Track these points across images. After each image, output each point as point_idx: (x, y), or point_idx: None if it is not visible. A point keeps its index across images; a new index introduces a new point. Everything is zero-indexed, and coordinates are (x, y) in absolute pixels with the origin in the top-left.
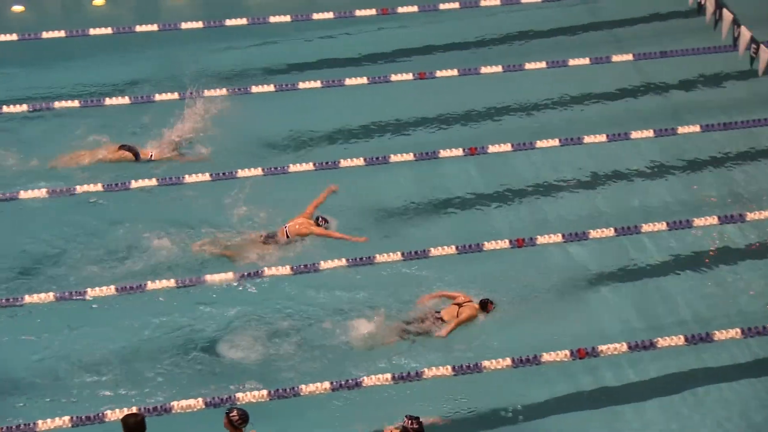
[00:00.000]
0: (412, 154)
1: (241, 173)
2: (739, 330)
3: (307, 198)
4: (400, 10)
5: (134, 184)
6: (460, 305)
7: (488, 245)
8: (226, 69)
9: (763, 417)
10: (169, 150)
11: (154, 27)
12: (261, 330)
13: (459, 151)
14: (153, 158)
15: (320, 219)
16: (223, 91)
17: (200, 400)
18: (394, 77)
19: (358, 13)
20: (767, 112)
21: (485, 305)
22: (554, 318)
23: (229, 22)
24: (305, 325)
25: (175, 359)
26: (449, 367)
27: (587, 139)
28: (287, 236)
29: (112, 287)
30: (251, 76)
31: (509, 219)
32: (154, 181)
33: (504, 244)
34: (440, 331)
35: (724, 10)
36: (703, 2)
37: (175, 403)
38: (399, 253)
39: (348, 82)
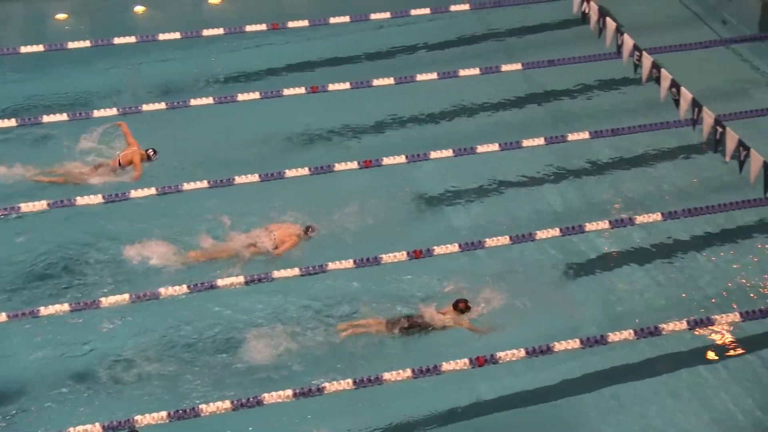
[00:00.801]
0: (307, 169)
1: (134, 193)
2: (632, 331)
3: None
4: (290, 24)
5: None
6: (443, 314)
7: (386, 258)
8: (112, 88)
9: (656, 412)
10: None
11: (40, 47)
12: (159, 350)
13: (354, 164)
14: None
15: (309, 228)
16: (114, 111)
17: (98, 424)
18: (286, 91)
19: (249, 28)
20: (653, 117)
21: (456, 307)
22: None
23: (117, 40)
24: (206, 344)
25: (71, 383)
26: (350, 381)
27: (480, 149)
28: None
29: (3, 314)
30: (142, 94)
31: (406, 231)
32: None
33: (402, 256)
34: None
35: (608, 19)
36: (587, 11)
37: (71, 429)
38: (297, 269)
39: (240, 97)
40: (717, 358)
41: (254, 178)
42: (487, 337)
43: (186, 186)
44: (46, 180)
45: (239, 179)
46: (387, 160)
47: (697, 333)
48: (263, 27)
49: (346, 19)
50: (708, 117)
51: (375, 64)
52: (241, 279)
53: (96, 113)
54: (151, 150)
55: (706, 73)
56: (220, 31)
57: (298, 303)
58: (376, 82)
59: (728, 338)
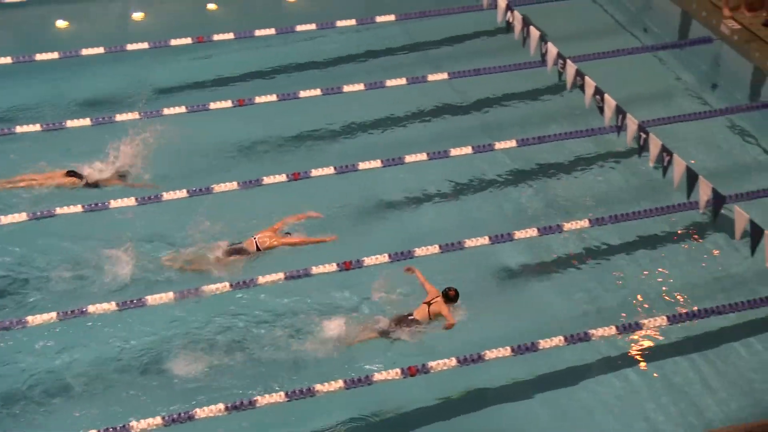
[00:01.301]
0: (235, 183)
1: (60, 210)
2: (562, 338)
3: None
4: (216, 37)
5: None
6: (429, 303)
7: (315, 270)
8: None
9: (589, 417)
10: (113, 176)
11: None
12: (88, 368)
13: (282, 177)
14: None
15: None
16: (37, 126)
17: None
18: (212, 105)
19: (174, 42)
20: (578, 124)
21: (447, 295)
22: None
23: (39, 57)
24: (136, 360)
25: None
26: (282, 394)
27: (408, 159)
28: (257, 248)
29: None
30: (61, 108)
31: (336, 243)
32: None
33: (331, 267)
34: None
35: (532, 28)
36: (511, 21)
37: None
38: (228, 283)
39: (166, 112)
40: (646, 362)
41: (182, 194)
42: (420, 347)
43: (113, 203)
44: None
45: (167, 195)
46: (315, 172)
47: (626, 338)
48: (188, 41)
49: (272, 31)
50: (632, 123)
51: (302, 76)
52: (171, 295)
53: (18, 129)
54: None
55: (629, 80)
56: (145, 45)
57: (228, 317)
58: (302, 94)
59: (656, 342)
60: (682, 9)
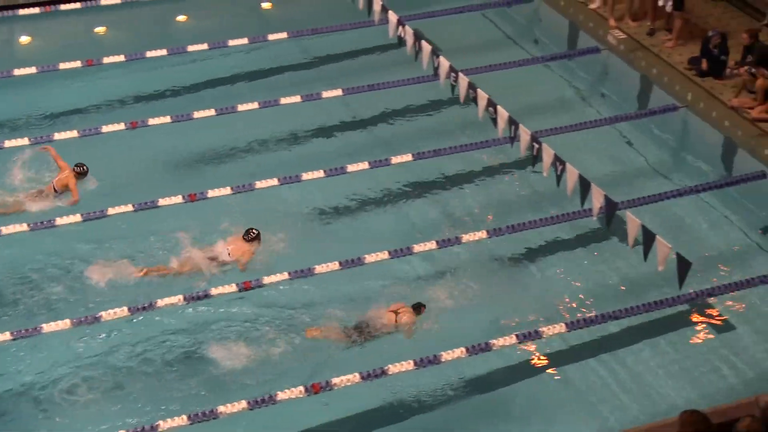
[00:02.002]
0: (131, 206)
1: None
2: (464, 349)
3: None
4: (106, 60)
5: None
6: (396, 312)
7: (214, 291)
8: None
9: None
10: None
11: None
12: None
13: (179, 198)
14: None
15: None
16: None
17: None
18: (105, 128)
19: (63, 66)
20: (472, 136)
21: (418, 308)
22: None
23: None
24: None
25: None
26: (185, 417)
27: (305, 176)
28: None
29: None
30: None
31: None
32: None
33: (231, 288)
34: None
35: (423, 42)
36: (402, 35)
37: None
38: (126, 308)
39: (58, 136)
40: (549, 369)
41: (77, 218)
42: (320, 362)
43: (5, 230)
44: None
45: (60, 220)
46: (212, 193)
47: (526, 347)
48: (78, 64)
49: (164, 52)
50: (524, 134)
51: (195, 97)
52: (67, 322)
53: None
54: (78, 167)
55: (522, 91)
56: (33, 70)
57: (127, 341)
58: (197, 115)
59: (557, 349)
60: (569, 20)
